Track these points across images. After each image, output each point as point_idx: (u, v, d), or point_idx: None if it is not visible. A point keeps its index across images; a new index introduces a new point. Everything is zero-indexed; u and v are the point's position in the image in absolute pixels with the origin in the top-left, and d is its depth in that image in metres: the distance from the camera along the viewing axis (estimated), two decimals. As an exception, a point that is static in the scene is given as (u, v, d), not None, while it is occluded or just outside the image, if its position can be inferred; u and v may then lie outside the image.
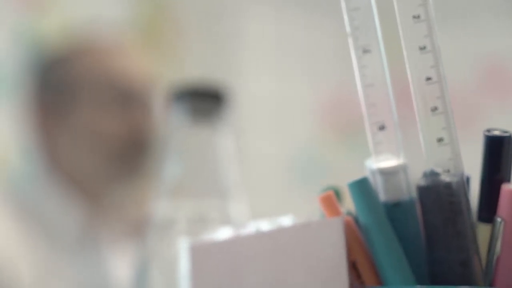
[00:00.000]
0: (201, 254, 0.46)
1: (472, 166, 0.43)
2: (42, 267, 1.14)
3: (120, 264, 1.17)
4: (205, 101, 0.64)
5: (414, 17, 0.41)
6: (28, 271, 1.12)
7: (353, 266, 0.42)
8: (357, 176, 0.42)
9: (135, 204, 1.31)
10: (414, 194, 0.42)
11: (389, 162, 0.42)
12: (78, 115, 1.19)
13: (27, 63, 1.29)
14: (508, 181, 0.42)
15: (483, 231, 0.42)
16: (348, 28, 0.42)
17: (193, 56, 1.93)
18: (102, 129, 1.18)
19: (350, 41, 0.42)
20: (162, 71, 1.56)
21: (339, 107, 2.02)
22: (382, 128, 0.42)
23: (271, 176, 1.94)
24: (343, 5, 0.42)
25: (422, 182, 0.42)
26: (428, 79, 0.41)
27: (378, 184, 0.42)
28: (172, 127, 0.65)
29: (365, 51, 0.42)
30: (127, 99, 1.20)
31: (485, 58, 2.06)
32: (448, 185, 0.41)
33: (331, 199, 0.43)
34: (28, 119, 1.23)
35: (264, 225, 0.45)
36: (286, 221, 0.44)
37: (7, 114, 1.44)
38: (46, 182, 1.20)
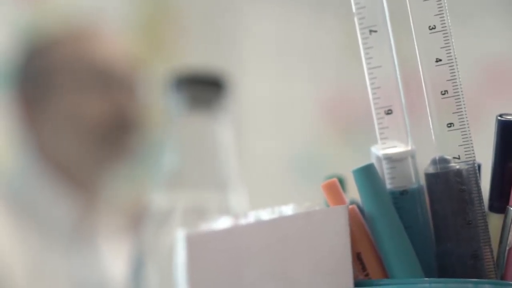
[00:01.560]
0: (198, 244, 0.43)
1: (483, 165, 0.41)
2: (35, 262, 1.12)
3: (116, 257, 1.15)
4: (204, 89, 0.62)
5: (423, -5, 0.39)
6: (21, 266, 1.10)
7: (357, 258, 0.40)
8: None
9: (129, 194, 1.30)
10: (422, 181, 0.40)
11: (396, 148, 0.40)
12: (60, 102, 1.17)
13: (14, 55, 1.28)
14: (521, 168, 0.40)
15: (494, 221, 0.40)
16: (353, 7, 0.40)
17: (194, 53, 1.92)
18: (84, 113, 1.17)
19: (356, 20, 0.40)
20: (160, 65, 1.54)
21: (340, 105, 2.00)
22: (389, 112, 0.40)
23: (271, 174, 1.92)
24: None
25: (431, 169, 0.40)
26: (438, 60, 0.39)
27: (384, 171, 0.40)
28: (170, 115, 0.63)
29: (372, 31, 0.40)
30: (109, 82, 1.18)
31: (486, 58, 2.05)
32: (458, 173, 0.39)
33: (335, 186, 0.41)
34: (13, 112, 1.21)
35: (265, 215, 0.43)
36: (288, 210, 0.42)
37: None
38: (37, 175, 1.18)
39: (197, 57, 1.89)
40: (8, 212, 1.14)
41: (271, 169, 1.93)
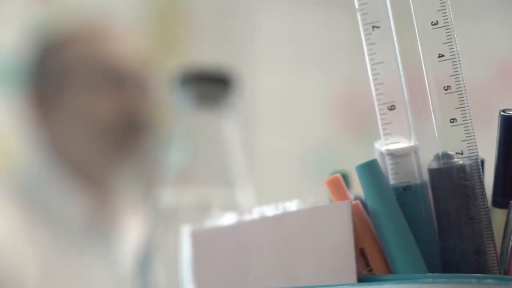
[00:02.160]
0: (203, 240, 0.44)
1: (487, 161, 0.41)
2: (47, 258, 1.13)
3: (128, 254, 1.15)
4: (210, 86, 0.62)
5: (426, -10, 0.39)
6: (34, 263, 1.11)
7: (361, 253, 0.40)
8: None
9: (140, 191, 1.30)
10: (425, 177, 0.40)
11: (399, 143, 0.40)
12: (72, 101, 1.18)
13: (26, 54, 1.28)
14: (525, 163, 0.39)
15: (498, 216, 0.40)
16: (356, 3, 0.40)
17: (206, 51, 1.92)
18: (96, 112, 1.17)
19: (358, 16, 0.40)
20: (172, 64, 1.54)
21: (351, 101, 2.00)
22: (392, 108, 0.40)
23: (283, 171, 1.92)
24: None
25: (434, 165, 0.40)
26: (441, 56, 0.39)
27: (388, 167, 0.40)
28: (177, 112, 0.63)
29: (375, 27, 0.40)
30: (121, 81, 1.19)
31: (497, 54, 2.04)
32: (461, 168, 0.39)
33: (338, 182, 0.41)
34: (27, 109, 1.22)
35: (269, 211, 0.43)
36: (292, 206, 0.42)
37: (10, 106, 1.43)
38: (49, 172, 1.18)
39: (208, 55, 1.89)
40: (21, 210, 1.15)
41: (282, 166, 1.93)
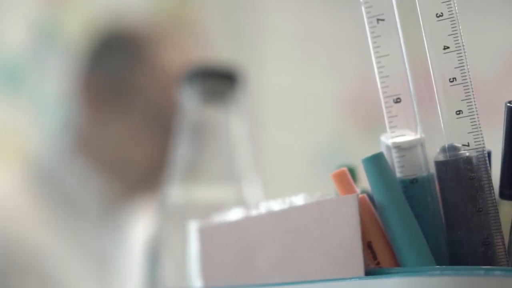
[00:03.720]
0: (210, 236, 0.44)
1: (498, 157, 0.41)
2: (63, 241, 1.13)
3: (141, 237, 1.15)
4: (217, 82, 0.62)
5: (430, -18, 0.39)
6: (48, 246, 1.11)
7: (368, 246, 0.40)
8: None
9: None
10: (432, 170, 0.40)
11: (405, 136, 0.40)
12: (135, 102, 1.16)
13: (48, 53, 1.27)
14: (532, 155, 0.39)
15: (505, 208, 0.40)
16: (360, -4, 0.40)
17: (215, 49, 1.92)
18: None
19: (363, 9, 0.40)
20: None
21: (361, 99, 2.00)
22: (397, 101, 0.40)
23: (293, 166, 1.92)
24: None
25: (440, 157, 0.40)
26: (446, 48, 0.39)
27: (394, 160, 0.40)
28: (184, 108, 0.63)
29: (379, 20, 0.40)
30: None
31: (506, 48, 2.04)
32: (467, 160, 0.39)
33: (345, 175, 0.41)
34: (78, 98, 1.19)
35: (276, 205, 0.43)
36: (298, 200, 0.42)
37: (27, 96, 1.43)
38: (68, 155, 1.17)
39: (219, 55, 1.89)
40: (37, 191, 1.15)
41: (292, 162, 1.93)
